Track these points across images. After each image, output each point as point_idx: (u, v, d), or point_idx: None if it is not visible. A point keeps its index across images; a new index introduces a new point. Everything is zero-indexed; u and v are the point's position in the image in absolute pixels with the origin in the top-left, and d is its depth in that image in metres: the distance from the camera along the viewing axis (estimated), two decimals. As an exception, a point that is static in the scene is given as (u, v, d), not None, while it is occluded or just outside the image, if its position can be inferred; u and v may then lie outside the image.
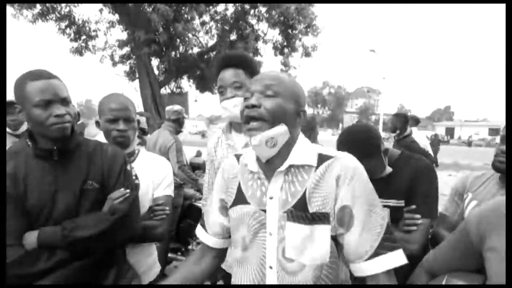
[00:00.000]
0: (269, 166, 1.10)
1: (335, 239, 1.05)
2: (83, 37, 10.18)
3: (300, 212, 1.03)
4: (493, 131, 57.34)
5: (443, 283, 1.18)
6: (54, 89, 1.24)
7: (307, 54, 11.25)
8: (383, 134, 11.52)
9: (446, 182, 8.15)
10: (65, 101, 1.27)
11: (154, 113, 9.87)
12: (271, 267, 1.07)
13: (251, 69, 1.70)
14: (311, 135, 3.10)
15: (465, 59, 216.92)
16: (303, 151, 1.10)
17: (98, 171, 1.35)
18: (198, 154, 7.47)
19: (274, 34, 11.14)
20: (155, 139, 3.78)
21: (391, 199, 1.59)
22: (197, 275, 1.23)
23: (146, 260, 1.67)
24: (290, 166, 1.07)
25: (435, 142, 17.66)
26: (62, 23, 9.82)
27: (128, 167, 1.45)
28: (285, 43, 11.13)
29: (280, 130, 1.03)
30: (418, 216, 1.51)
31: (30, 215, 1.21)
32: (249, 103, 1.04)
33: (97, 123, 1.68)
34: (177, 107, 3.97)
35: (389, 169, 1.61)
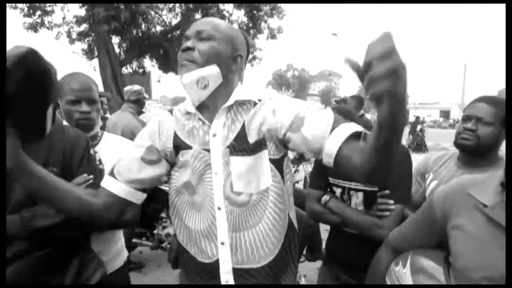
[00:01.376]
0: (208, 108, 1.12)
1: (276, 161, 1.11)
2: (38, 12, 9.46)
3: (241, 145, 1.08)
4: (444, 113, 60.72)
5: (408, 260, 1.22)
6: None
7: (272, 36, 11.19)
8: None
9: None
10: None
11: (115, 93, 9.47)
12: (219, 208, 1.09)
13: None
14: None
15: (419, 47, 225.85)
16: (246, 91, 1.15)
17: (58, 155, 1.25)
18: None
19: (240, 15, 10.97)
20: (115, 121, 3.63)
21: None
22: (82, 200, 1.08)
23: (113, 247, 1.62)
24: (235, 102, 1.11)
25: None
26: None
27: (92, 152, 1.36)
28: (250, 24, 10.99)
29: (211, 71, 1.05)
30: (391, 201, 1.53)
31: None
32: (184, 46, 1.07)
33: (56, 104, 1.57)
34: (136, 87, 3.82)
35: None
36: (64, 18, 10.11)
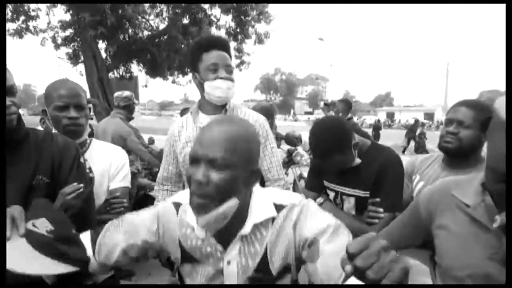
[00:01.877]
0: (222, 233, 0.98)
1: (294, 281, 1.04)
2: (22, 17, 9.31)
3: (264, 276, 0.99)
4: (428, 116, 61.88)
5: None
6: None
7: (260, 41, 11.24)
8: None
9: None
10: (11, 91, 1.15)
11: (102, 99, 9.37)
12: None
13: (231, 57, 1.73)
14: (271, 123, 3.12)
15: (403, 50, 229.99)
16: (262, 205, 1.01)
17: (48, 164, 1.25)
18: (151, 141, 7.25)
19: (227, 20, 10.99)
20: (104, 127, 3.61)
21: (357, 189, 1.64)
22: None
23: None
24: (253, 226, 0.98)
25: (376, 127, 18.68)
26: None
27: (81, 160, 1.36)
28: (238, 30, 11.02)
29: (230, 205, 0.91)
30: (381, 210, 1.56)
31: None
32: (196, 178, 0.90)
33: (44, 111, 1.56)
34: (126, 93, 3.79)
35: (358, 161, 1.63)
36: (49, 23, 9.98)
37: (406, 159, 1.77)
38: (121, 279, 3.40)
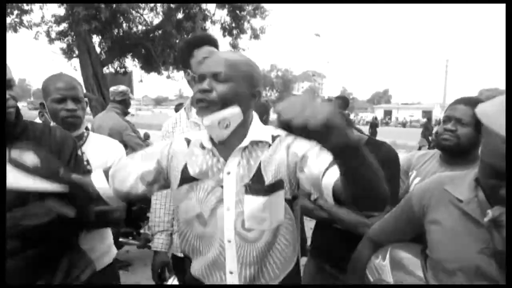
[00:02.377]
0: (224, 145, 1.12)
1: (289, 201, 1.13)
2: (16, 11, 9.22)
3: (258, 185, 1.09)
4: (426, 113, 62.05)
5: (388, 253, 1.28)
6: None
7: (255, 36, 11.19)
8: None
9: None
10: (9, 85, 1.16)
11: (97, 93, 9.33)
12: (229, 241, 1.10)
13: None
14: (266, 119, 3.13)
15: (402, 47, 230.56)
16: (260, 129, 1.16)
17: None
18: (146, 136, 7.23)
19: (222, 15, 10.93)
20: (100, 122, 3.61)
21: None
22: None
23: (101, 245, 1.63)
24: (250, 143, 1.12)
25: (373, 125, 18.70)
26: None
27: (79, 152, 1.38)
28: (233, 25, 10.97)
29: (233, 111, 1.06)
30: None
31: None
32: (201, 87, 1.05)
33: (42, 105, 1.58)
34: (122, 87, 3.81)
35: None
36: (43, 17, 9.89)
37: (402, 156, 1.79)
38: (118, 270, 3.42)
